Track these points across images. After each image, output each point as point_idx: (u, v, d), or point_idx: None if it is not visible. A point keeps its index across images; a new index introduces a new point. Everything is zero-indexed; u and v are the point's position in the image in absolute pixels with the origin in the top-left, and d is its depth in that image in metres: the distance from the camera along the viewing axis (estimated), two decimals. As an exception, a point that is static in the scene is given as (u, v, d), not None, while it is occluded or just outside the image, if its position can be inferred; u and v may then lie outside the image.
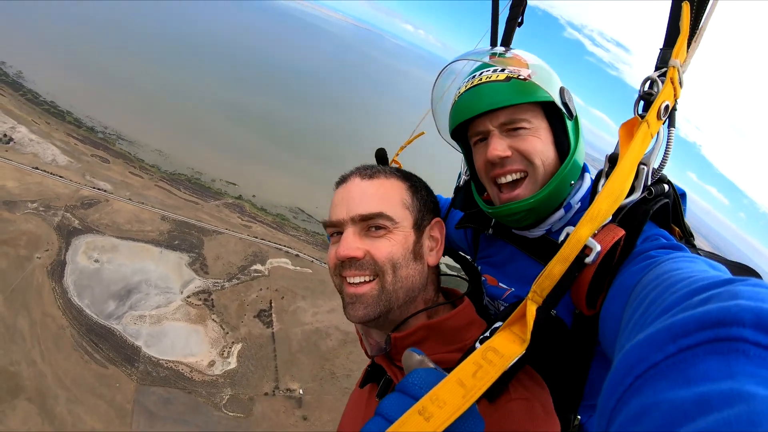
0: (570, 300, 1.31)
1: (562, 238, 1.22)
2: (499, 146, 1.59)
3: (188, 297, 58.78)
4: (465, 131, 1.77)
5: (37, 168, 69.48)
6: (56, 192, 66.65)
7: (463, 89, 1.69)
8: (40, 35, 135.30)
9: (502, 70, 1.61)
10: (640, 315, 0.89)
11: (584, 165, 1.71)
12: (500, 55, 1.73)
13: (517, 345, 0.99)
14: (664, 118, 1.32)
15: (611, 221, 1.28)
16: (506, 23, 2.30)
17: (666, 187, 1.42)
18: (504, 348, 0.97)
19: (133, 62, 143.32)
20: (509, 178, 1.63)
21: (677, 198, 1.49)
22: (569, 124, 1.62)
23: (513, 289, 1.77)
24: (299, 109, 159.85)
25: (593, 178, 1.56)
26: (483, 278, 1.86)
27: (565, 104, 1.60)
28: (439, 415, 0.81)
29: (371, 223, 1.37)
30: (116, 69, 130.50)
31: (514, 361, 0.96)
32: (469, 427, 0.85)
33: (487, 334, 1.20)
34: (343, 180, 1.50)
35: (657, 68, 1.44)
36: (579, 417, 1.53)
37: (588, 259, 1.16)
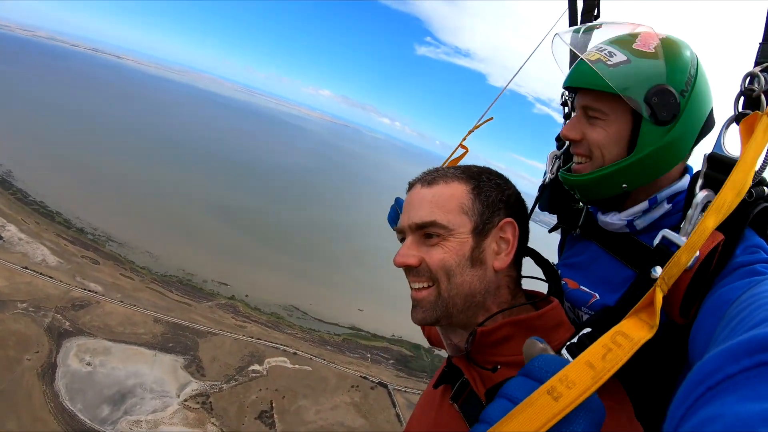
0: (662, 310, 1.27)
1: (657, 241, 1.26)
2: (572, 129, 1.72)
3: (185, 400, 58.89)
4: None
5: (26, 267, 71.28)
6: (46, 292, 67.95)
7: (584, 56, 1.72)
8: (30, 135, 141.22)
9: (610, 54, 1.63)
10: (729, 332, 0.91)
11: (688, 167, 1.74)
12: (619, 38, 1.71)
13: (645, 330, 1.01)
14: None
15: None
16: (582, 16, 2.39)
17: (766, 189, 1.40)
18: (633, 332, 0.99)
19: (121, 163, 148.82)
20: (577, 159, 1.77)
21: None
22: (645, 127, 1.58)
23: (597, 295, 1.77)
24: (284, 206, 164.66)
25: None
26: (564, 282, 1.88)
27: (650, 105, 1.56)
28: (568, 395, 0.83)
29: (426, 231, 1.42)
30: (105, 170, 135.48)
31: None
32: (589, 415, 0.86)
33: (575, 340, 1.23)
34: (409, 186, 1.58)
35: (757, 63, 1.41)
36: None
37: (687, 265, 1.15)
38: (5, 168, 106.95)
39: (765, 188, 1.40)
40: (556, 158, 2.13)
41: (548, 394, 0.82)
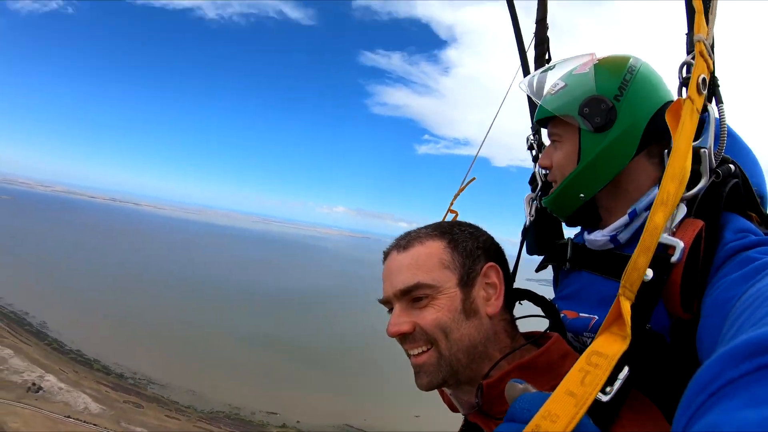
0: (665, 311, 1.34)
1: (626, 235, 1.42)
2: (544, 157, 1.89)
3: None
4: None
5: (69, 417, 70.68)
6: None
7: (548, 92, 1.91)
8: (59, 287, 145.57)
9: (555, 85, 1.84)
10: (733, 333, 0.90)
11: None
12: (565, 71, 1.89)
13: (619, 343, 1.00)
14: (704, 92, 1.35)
15: (687, 216, 1.31)
16: (535, 48, 2.61)
17: (732, 167, 1.44)
18: (607, 348, 0.99)
19: (151, 306, 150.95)
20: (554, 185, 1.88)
21: (746, 177, 1.50)
22: (584, 136, 1.70)
23: (597, 317, 1.78)
24: (318, 327, 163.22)
25: None
26: (563, 315, 1.89)
27: (583, 115, 1.67)
28: (554, 430, 0.81)
29: (412, 296, 1.43)
30: (136, 314, 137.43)
31: (624, 373, 1.00)
32: None
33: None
34: (384, 256, 1.60)
35: (688, 52, 1.49)
36: None
37: (674, 258, 1.18)
38: (39, 320, 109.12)
39: (731, 166, 1.44)
40: (532, 200, 2.22)
41: None
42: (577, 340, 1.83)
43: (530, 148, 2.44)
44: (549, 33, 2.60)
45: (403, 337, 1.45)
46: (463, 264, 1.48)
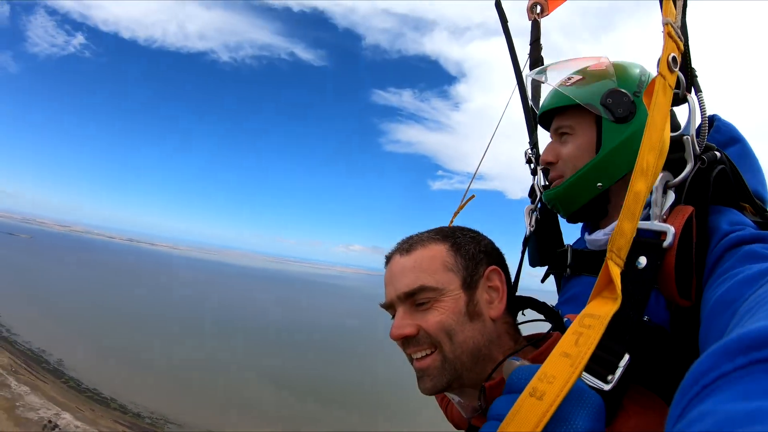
0: (664, 304, 1.38)
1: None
2: (548, 152, 1.89)
3: None
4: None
5: None
6: None
7: (555, 85, 1.96)
8: (76, 325, 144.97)
9: (569, 78, 1.88)
10: (732, 328, 0.91)
11: None
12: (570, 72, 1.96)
13: (610, 304, 1.02)
14: (675, 69, 1.39)
15: (676, 202, 1.35)
16: (530, 68, 2.66)
17: (717, 153, 1.47)
18: (598, 310, 1.01)
19: (167, 346, 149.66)
20: (553, 185, 1.91)
21: (734, 165, 1.52)
22: (606, 125, 1.75)
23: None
24: (338, 365, 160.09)
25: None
26: (566, 320, 1.85)
27: (606, 105, 1.73)
28: (551, 390, 0.82)
29: (416, 299, 1.43)
30: (152, 354, 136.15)
31: (625, 360, 1.01)
32: (586, 407, 0.85)
33: None
34: (387, 260, 1.61)
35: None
36: None
37: (665, 243, 1.20)
38: (56, 357, 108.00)
39: (716, 153, 1.48)
40: (532, 211, 2.25)
41: (531, 396, 0.82)
42: None
43: (528, 161, 2.45)
44: (549, 55, 2.62)
45: (407, 341, 1.46)
46: (466, 267, 1.50)
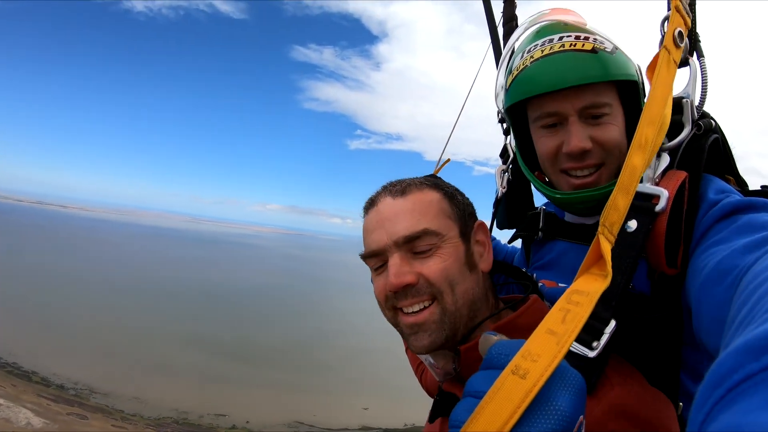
0: (646, 271, 1.31)
1: None
2: (582, 137, 1.47)
3: None
4: (523, 106, 1.65)
5: None
6: None
7: (538, 54, 1.53)
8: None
9: (586, 39, 1.49)
10: (747, 312, 0.79)
11: None
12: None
13: (599, 282, 0.95)
14: (681, 44, 1.30)
15: (669, 166, 1.29)
16: (504, 26, 2.37)
17: (712, 122, 1.39)
18: (587, 286, 0.94)
19: (84, 312, 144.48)
20: (585, 172, 1.53)
21: (725, 137, 1.45)
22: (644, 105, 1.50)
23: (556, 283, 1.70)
24: (258, 325, 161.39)
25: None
26: (541, 284, 1.81)
27: (643, 84, 1.55)
28: (535, 369, 0.74)
29: (417, 243, 1.30)
30: (69, 321, 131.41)
31: (611, 326, 0.97)
32: (568, 386, 0.76)
33: None
34: (372, 203, 1.44)
35: (669, 8, 1.39)
36: (681, 404, 1.37)
37: (658, 207, 1.14)
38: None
39: (711, 120, 1.41)
40: (504, 172, 2.11)
41: (513, 374, 0.74)
42: None
43: (501, 120, 2.18)
44: (520, 12, 2.37)
45: (403, 291, 1.31)
46: (461, 217, 1.42)
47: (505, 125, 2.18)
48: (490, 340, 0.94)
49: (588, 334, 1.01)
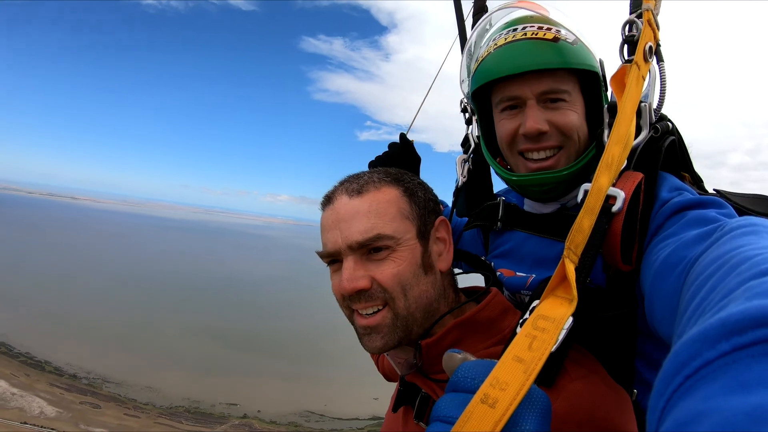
0: (601, 265, 1.36)
1: (581, 196, 1.23)
2: (539, 119, 1.52)
3: None
4: (488, 93, 1.70)
5: (25, 423, 68.41)
6: None
7: (501, 42, 1.59)
8: (2, 288, 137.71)
9: (549, 29, 1.55)
10: (700, 301, 0.82)
11: None
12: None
13: (565, 306, 0.96)
14: (651, 60, 1.34)
15: (626, 168, 1.30)
16: (473, 17, 2.34)
17: (669, 124, 1.44)
18: (553, 312, 0.94)
19: (96, 303, 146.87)
20: (541, 155, 1.58)
21: (681, 137, 1.50)
22: (604, 97, 1.59)
23: (534, 275, 1.71)
24: (269, 317, 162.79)
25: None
26: (499, 273, 1.82)
27: (604, 77, 1.59)
28: (503, 398, 0.75)
29: (371, 247, 1.28)
30: (82, 312, 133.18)
31: (568, 323, 0.95)
32: (535, 409, 0.78)
33: (527, 316, 1.12)
34: (328, 200, 1.39)
35: (632, 12, 1.44)
36: (636, 391, 1.42)
37: (614, 208, 1.16)
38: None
39: (668, 123, 1.44)
40: (464, 161, 2.10)
41: (483, 402, 0.75)
42: (515, 297, 1.81)
43: (464, 110, 2.19)
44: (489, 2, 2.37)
45: (357, 295, 1.29)
46: (420, 215, 1.37)
47: (466, 115, 2.18)
48: (455, 358, 0.94)
49: None
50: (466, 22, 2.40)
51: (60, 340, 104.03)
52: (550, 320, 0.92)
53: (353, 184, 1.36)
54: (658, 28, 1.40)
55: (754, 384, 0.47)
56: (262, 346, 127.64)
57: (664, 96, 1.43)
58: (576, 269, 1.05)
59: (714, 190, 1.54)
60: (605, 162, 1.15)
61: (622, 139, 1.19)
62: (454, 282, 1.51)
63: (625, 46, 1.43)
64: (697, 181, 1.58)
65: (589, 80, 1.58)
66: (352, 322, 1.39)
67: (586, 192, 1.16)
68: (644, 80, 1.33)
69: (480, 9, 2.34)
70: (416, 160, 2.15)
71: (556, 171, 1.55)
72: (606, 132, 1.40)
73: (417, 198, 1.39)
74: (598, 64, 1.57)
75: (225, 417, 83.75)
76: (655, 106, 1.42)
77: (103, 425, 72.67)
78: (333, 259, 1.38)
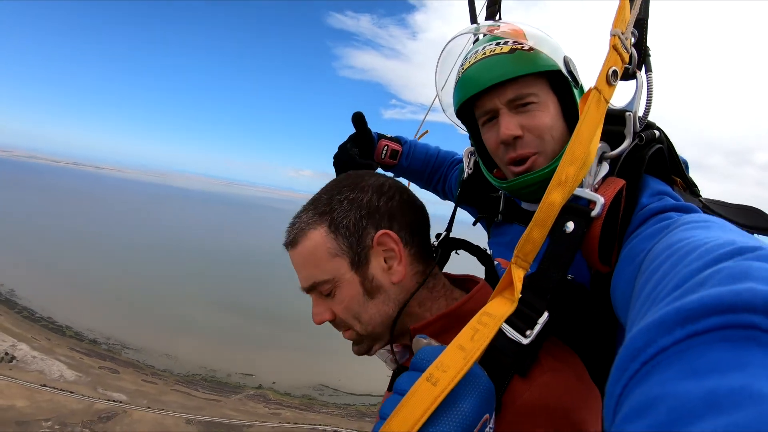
0: (586, 263, 1.38)
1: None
2: (510, 125, 1.60)
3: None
4: (472, 111, 1.79)
5: (45, 385, 69.50)
6: (70, 408, 66.12)
7: (467, 65, 1.71)
8: (25, 253, 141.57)
9: (506, 43, 1.64)
10: (651, 288, 0.86)
11: None
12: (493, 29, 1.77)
13: (507, 306, 1.07)
14: (615, 83, 1.35)
15: (609, 173, 1.37)
16: (488, 8, 2.41)
17: (657, 132, 1.47)
18: (496, 310, 1.07)
19: (119, 271, 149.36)
20: (517, 163, 1.66)
21: (671, 144, 1.53)
22: (576, 92, 1.64)
23: (529, 268, 1.60)
24: (286, 290, 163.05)
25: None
26: (497, 263, 1.92)
27: (570, 73, 1.64)
28: (443, 378, 0.90)
29: (317, 291, 1.39)
30: (104, 280, 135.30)
31: (543, 318, 1.07)
32: (474, 391, 0.93)
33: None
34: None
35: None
36: None
37: (594, 213, 1.20)
38: (7, 287, 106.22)
39: (655, 131, 1.47)
40: (471, 154, 2.11)
41: (427, 381, 0.89)
42: None
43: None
44: None
45: (331, 323, 1.44)
46: (350, 245, 1.37)
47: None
48: (420, 343, 1.11)
49: (523, 322, 1.11)
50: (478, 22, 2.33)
51: (81, 306, 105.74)
52: (492, 317, 1.04)
53: (289, 236, 1.43)
54: (628, 51, 1.41)
55: (708, 369, 0.49)
56: (280, 319, 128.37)
57: (650, 105, 1.49)
58: (550, 261, 1.14)
59: (701, 200, 1.57)
60: (557, 179, 1.19)
61: (577, 159, 1.22)
62: (426, 277, 1.49)
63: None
64: (690, 186, 1.61)
65: (557, 78, 1.64)
66: None
67: (573, 195, 1.25)
68: (607, 103, 1.34)
69: (493, 2, 2.40)
70: (370, 140, 2.31)
71: (536, 172, 1.60)
72: None
73: (344, 228, 1.38)
74: (561, 63, 1.61)
75: (240, 387, 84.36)
76: (641, 114, 1.47)
77: (120, 390, 73.52)
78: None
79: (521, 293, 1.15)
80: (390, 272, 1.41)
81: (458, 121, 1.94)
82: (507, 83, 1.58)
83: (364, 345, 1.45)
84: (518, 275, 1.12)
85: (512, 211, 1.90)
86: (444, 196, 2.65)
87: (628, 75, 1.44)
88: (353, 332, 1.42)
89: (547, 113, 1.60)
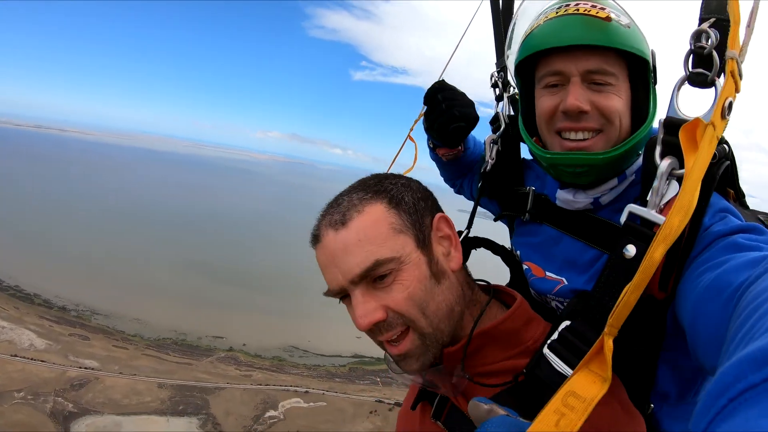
0: None
1: (624, 218, 1.17)
2: (580, 97, 1.43)
3: (210, 460, 57.37)
4: (532, 67, 1.62)
5: (15, 355, 69.09)
6: (42, 377, 65.99)
7: (552, 14, 1.52)
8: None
9: (603, 9, 1.45)
10: (749, 328, 0.79)
11: None
12: None
13: (598, 386, 0.94)
14: (728, 117, 1.16)
15: (676, 194, 1.17)
16: None
17: (725, 147, 1.32)
18: (584, 391, 0.93)
19: (85, 236, 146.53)
20: (579, 135, 1.49)
21: (733, 157, 1.37)
22: (652, 89, 1.51)
23: (564, 280, 1.64)
24: (255, 252, 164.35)
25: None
26: (526, 267, 1.78)
27: (655, 68, 1.50)
28: None
29: (374, 274, 1.19)
30: (71, 245, 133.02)
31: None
32: None
33: (555, 336, 1.15)
34: (316, 238, 1.31)
35: (703, 19, 1.23)
36: (652, 405, 1.40)
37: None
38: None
39: (725, 146, 1.33)
40: (493, 143, 2.01)
41: None
42: (540, 297, 1.76)
43: (494, 86, 2.18)
44: None
45: (376, 327, 1.23)
46: (414, 222, 1.27)
47: (496, 91, 2.19)
48: (481, 409, 0.95)
49: (571, 352, 1.05)
50: None
51: (49, 273, 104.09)
52: (581, 400, 0.90)
53: (335, 215, 1.26)
54: (741, 78, 1.23)
55: None
56: (249, 280, 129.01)
57: (726, 123, 1.29)
58: (594, 300, 1.05)
59: (756, 215, 1.44)
60: (663, 234, 1.04)
61: (684, 208, 1.07)
62: (469, 277, 1.43)
63: (691, 56, 1.27)
64: (740, 197, 1.50)
65: (638, 68, 1.49)
66: (384, 350, 1.34)
67: (630, 214, 1.14)
68: (718, 139, 1.16)
69: None
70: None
71: (592, 153, 1.47)
72: (658, 149, 1.22)
73: (405, 204, 1.29)
74: (650, 53, 1.48)
75: (211, 349, 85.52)
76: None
77: (92, 356, 73.78)
78: (343, 294, 1.30)
79: (569, 319, 1.08)
80: (449, 258, 1.32)
81: (512, 70, 1.80)
82: (593, 51, 1.42)
83: (429, 354, 1.26)
84: (609, 345, 0.99)
85: (543, 210, 1.78)
86: (462, 190, 2.56)
87: (706, 83, 1.25)
88: (412, 335, 1.24)
89: (620, 98, 1.46)
